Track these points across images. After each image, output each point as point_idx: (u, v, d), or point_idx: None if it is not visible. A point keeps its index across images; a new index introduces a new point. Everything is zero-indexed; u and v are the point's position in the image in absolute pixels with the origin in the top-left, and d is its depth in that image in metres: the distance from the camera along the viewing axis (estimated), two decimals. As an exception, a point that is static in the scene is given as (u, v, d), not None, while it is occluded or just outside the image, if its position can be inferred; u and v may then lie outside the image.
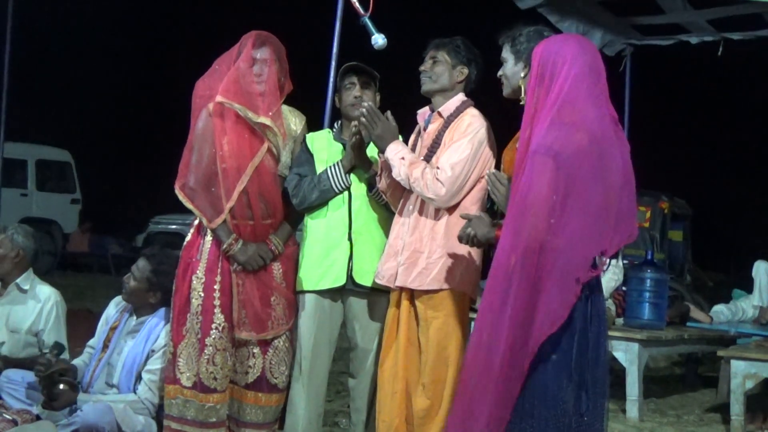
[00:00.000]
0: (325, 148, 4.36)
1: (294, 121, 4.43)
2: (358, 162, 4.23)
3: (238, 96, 4.21)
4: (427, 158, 4.01)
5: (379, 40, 4.47)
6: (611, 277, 6.81)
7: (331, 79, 5.16)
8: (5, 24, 8.72)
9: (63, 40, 21.94)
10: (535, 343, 2.97)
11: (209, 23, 22.13)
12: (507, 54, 3.61)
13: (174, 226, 16.34)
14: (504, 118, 3.66)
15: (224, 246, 4.18)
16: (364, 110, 4.07)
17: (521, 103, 3.49)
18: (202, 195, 4.21)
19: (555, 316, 2.97)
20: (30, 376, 4.62)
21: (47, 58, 21.35)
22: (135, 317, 4.65)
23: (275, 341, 4.28)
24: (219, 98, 4.21)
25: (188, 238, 4.36)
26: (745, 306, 7.91)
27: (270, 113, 4.25)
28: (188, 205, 4.23)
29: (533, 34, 3.55)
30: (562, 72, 3.08)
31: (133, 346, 4.54)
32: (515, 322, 2.98)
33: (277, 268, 4.29)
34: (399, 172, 3.94)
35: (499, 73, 3.64)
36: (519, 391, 3.01)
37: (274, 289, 4.27)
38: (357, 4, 4.65)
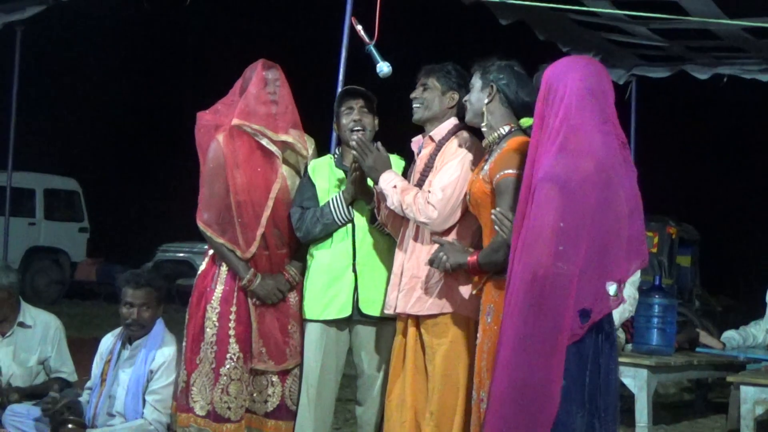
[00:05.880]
0: (327, 177, 4.34)
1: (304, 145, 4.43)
2: (359, 194, 4.20)
3: (255, 117, 4.22)
4: (420, 183, 3.99)
5: (384, 68, 4.47)
6: (625, 308, 6.74)
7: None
8: (13, 55, 8.81)
9: (70, 71, 22.09)
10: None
11: (214, 54, 22.23)
12: (476, 80, 3.72)
13: (182, 254, 16.38)
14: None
15: (243, 282, 4.17)
16: (354, 143, 4.08)
17: (482, 129, 3.66)
18: (228, 228, 4.19)
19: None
20: (35, 410, 4.63)
21: (54, 88, 21.47)
22: (129, 345, 4.64)
23: (293, 369, 4.27)
24: (236, 121, 4.22)
25: (203, 267, 4.36)
26: (756, 332, 7.83)
27: (289, 131, 4.26)
28: (218, 240, 4.20)
29: (504, 67, 3.69)
30: (565, 97, 3.09)
31: (133, 371, 4.53)
32: (537, 356, 2.96)
33: (293, 296, 4.30)
34: (392, 201, 3.92)
35: (465, 98, 3.78)
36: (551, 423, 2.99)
37: (292, 317, 4.27)
38: (362, 33, 4.67)
